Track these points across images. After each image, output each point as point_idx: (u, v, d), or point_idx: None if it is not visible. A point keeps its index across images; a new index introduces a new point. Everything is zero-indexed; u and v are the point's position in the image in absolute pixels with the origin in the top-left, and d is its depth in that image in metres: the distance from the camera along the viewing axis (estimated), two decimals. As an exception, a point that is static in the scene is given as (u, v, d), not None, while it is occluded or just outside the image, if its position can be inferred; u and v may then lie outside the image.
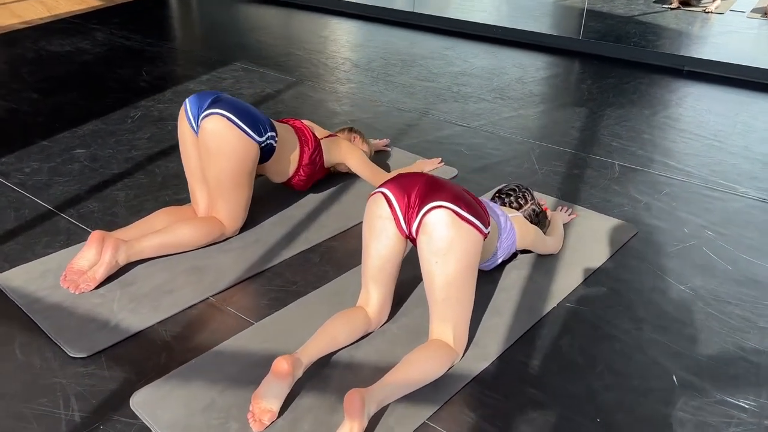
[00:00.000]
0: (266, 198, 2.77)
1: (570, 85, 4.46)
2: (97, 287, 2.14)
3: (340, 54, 5.13)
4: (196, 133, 2.35)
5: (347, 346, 1.87)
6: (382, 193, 1.83)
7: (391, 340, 1.94)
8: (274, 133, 2.45)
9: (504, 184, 2.46)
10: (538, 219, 2.41)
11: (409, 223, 1.78)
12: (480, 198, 2.15)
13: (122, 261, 2.19)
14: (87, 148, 3.25)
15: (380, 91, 4.21)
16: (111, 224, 2.54)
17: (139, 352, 1.88)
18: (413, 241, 1.81)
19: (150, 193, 2.81)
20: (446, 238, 1.71)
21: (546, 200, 2.78)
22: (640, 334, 2.01)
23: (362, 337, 1.93)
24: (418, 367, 1.68)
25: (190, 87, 4.20)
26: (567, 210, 2.68)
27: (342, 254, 2.39)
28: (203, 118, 2.30)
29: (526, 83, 4.47)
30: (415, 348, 1.76)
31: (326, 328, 1.79)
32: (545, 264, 2.34)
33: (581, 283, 2.25)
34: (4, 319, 2.00)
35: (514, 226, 2.14)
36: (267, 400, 1.62)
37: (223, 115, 2.28)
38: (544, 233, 2.45)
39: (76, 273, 2.15)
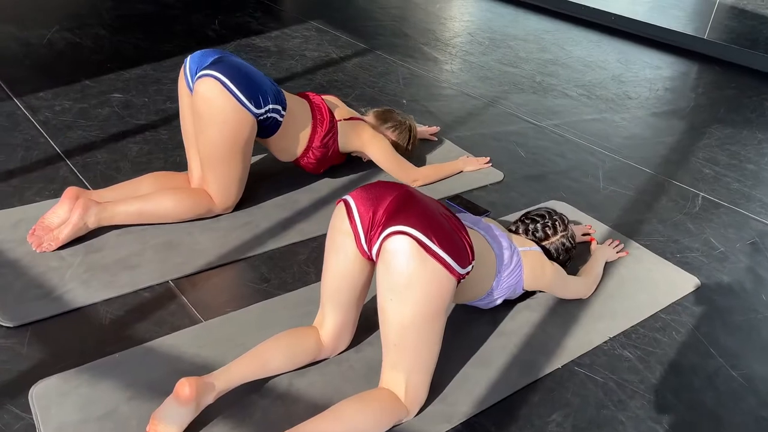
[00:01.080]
0: (277, 175, 2.50)
1: (677, 91, 3.84)
2: (62, 248, 1.98)
3: (425, 25, 4.74)
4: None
5: (290, 372, 1.59)
6: (346, 202, 1.51)
7: (346, 373, 1.63)
8: (279, 107, 2.17)
9: (536, 207, 2.04)
10: (568, 256, 1.98)
11: (369, 244, 1.45)
12: (484, 221, 1.77)
13: (92, 224, 2.02)
14: (125, 93, 3.13)
15: (452, 71, 3.81)
16: (109, 179, 2.38)
17: (68, 333, 1.69)
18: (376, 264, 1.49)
19: (163, 151, 2.63)
20: (405, 274, 1.37)
21: (596, 228, 2.33)
22: (657, 430, 1.57)
23: (313, 363, 1.64)
24: (346, 420, 1.37)
25: (254, 42, 3.99)
26: (617, 244, 2.22)
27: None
28: (197, 79, 2.05)
29: (624, 83, 3.89)
30: (357, 394, 1.45)
31: (259, 350, 1.51)
32: (566, 309, 1.92)
33: (603, 343, 1.82)
34: None
35: (522, 263, 1.75)
36: (165, 424, 1.38)
37: (218, 79, 2.02)
38: (575, 271, 2.02)
39: (45, 229, 2.00)
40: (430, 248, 1.36)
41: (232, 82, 2.02)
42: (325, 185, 2.48)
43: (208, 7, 4.64)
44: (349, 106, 3.16)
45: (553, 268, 1.82)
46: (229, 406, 1.50)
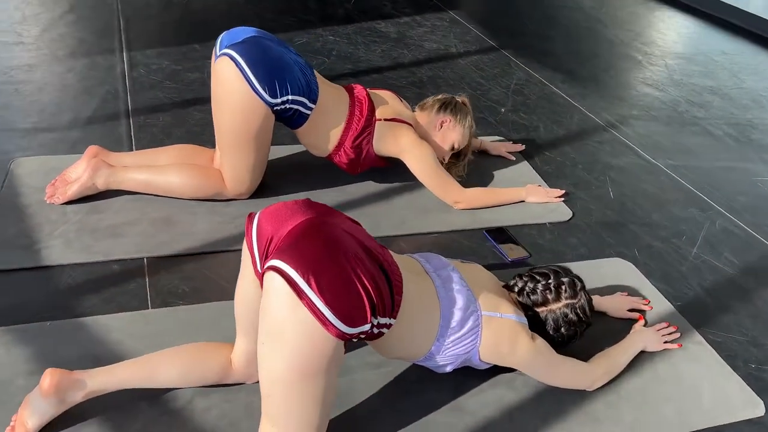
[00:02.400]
0: (312, 169, 2.33)
1: None
2: (71, 203, 2.01)
3: (574, 29, 4.23)
4: None
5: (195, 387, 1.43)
6: (250, 218, 1.29)
7: (251, 405, 1.41)
8: (304, 99, 1.98)
9: (547, 266, 1.62)
10: (573, 333, 1.56)
11: (260, 273, 1.24)
12: (452, 267, 1.46)
13: (101, 185, 2.02)
14: (223, 61, 3.17)
15: (577, 83, 3.33)
16: (155, 142, 2.39)
17: (23, 288, 1.69)
18: None
19: (223, 123, 2.60)
20: (276, 319, 1.13)
21: (656, 305, 1.85)
22: None
23: (226, 385, 1.47)
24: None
25: (377, 26, 3.84)
26: (669, 331, 1.75)
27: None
28: (218, 58, 1.94)
29: (796, 128, 3.12)
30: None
31: (150, 359, 1.37)
32: (557, 398, 1.53)
33: (585, 455, 1.42)
34: None
35: (480, 330, 1.41)
36: (29, 411, 1.30)
37: (234, 61, 1.89)
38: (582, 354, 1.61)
39: (62, 182, 2.04)
40: (305, 295, 1.11)
41: (249, 65, 1.88)
42: (358, 189, 2.27)
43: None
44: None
45: (532, 346, 1.44)
46: (110, 408, 1.39)
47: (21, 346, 1.51)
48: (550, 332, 1.53)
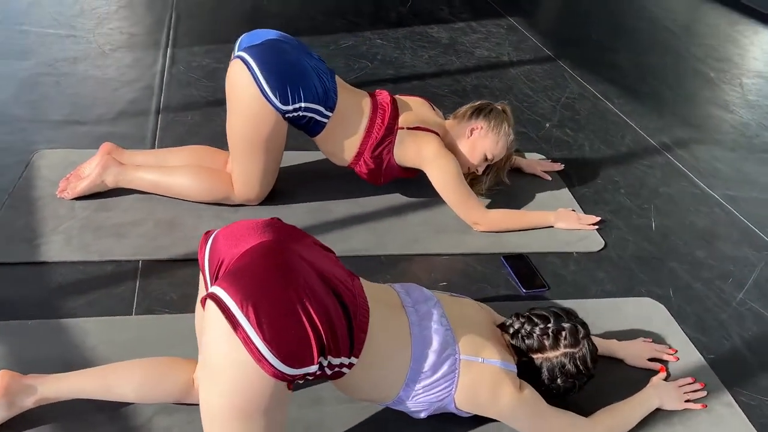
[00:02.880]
0: (332, 177, 2.22)
1: None
2: (82, 199, 2.00)
3: (644, 40, 3.95)
4: None
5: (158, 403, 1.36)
6: (207, 236, 1.20)
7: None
8: (319, 107, 1.89)
9: (549, 307, 1.44)
10: (570, 386, 1.39)
11: (203, 298, 1.14)
12: (436, 299, 1.33)
13: (110, 183, 2.00)
14: (264, 61, 3.13)
15: (634, 99, 3.09)
16: (177, 141, 2.36)
17: (16, 283, 1.67)
18: None
19: (250, 125, 2.55)
20: (212, 353, 1.04)
21: (684, 356, 1.64)
22: None
23: (196, 405, 1.39)
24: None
25: (429, 31, 3.71)
26: (694, 389, 1.55)
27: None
28: (232, 60, 1.88)
29: None
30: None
31: (108, 370, 1.31)
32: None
33: None
34: None
35: (458, 376, 1.26)
36: None
37: (247, 64, 1.82)
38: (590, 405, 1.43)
39: (76, 177, 2.04)
40: (241, 329, 1.01)
41: (261, 69, 1.81)
42: (373, 201, 2.16)
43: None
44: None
45: (517, 396, 1.28)
46: (64, 419, 1.34)
47: (-2, 344, 1.50)
48: (545, 382, 1.37)
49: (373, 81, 3.01)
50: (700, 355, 1.67)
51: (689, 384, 1.56)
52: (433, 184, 2.04)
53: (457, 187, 2.02)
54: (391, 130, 1.99)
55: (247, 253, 1.10)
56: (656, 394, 1.50)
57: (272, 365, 1.02)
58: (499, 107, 2.12)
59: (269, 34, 1.96)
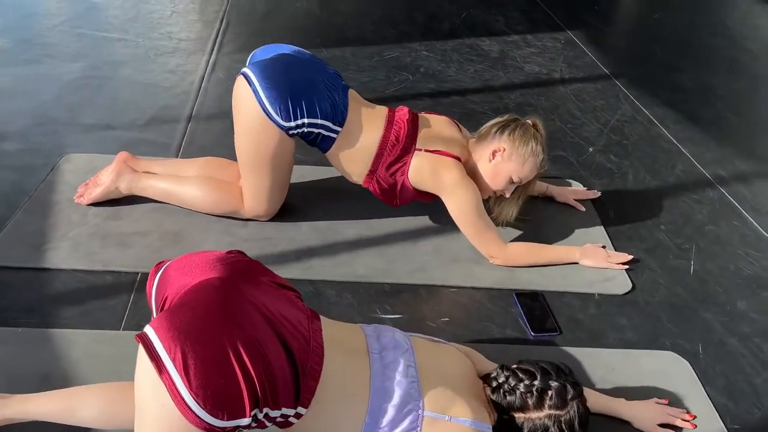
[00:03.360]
0: (350, 195, 2.13)
1: None
2: (98, 205, 2.02)
3: (718, 59, 3.66)
4: None
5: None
6: (158, 267, 1.15)
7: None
8: (327, 122, 1.82)
9: (539, 361, 1.32)
10: None
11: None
12: (411, 344, 1.24)
13: (124, 190, 2.01)
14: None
15: (689, 139, 2.85)
16: (201, 151, 2.34)
17: (16, 290, 1.69)
18: None
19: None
20: (138, 397, 0.99)
21: (703, 425, 1.46)
22: None
23: None
24: None
25: (480, 43, 3.57)
26: (679, 412, 1.44)
27: (318, 305, 1.67)
28: (238, 75, 1.84)
29: None
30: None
31: (72, 392, 1.28)
32: None
33: None
34: (8, 190, 2.05)
35: (420, 426, 1.14)
36: None
37: (249, 80, 1.78)
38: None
39: (93, 183, 2.05)
40: (167, 374, 0.95)
41: (263, 86, 1.76)
42: (386, 224, 2.06)
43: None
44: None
45: None
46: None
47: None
48: None
49: (411, 95, 2.93)
50: (721, 424, 1.49)
51: (680, 413, 1.48)
52: (451, 213, 1.92)
53: (476, 219, 1.89)
54: (407, 149, 1.89)
55: (191, 289, 1.04)
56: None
57: (197, 415, 0.96)
58: (528, 122, 1.96)
59: (281, 48, 1.91)
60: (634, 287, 1.90)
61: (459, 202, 1.90)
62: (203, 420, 0.97)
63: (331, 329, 1.19)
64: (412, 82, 3.07)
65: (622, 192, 2.37)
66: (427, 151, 1.90)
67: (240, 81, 1.81)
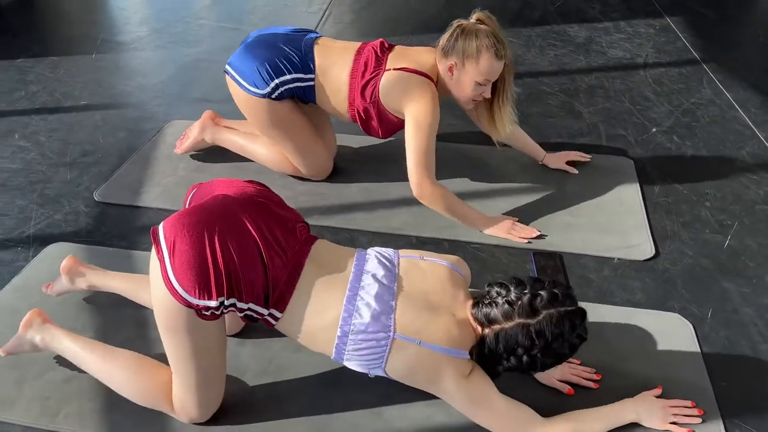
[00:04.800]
0: (394, 162, 2.25)
1: None
2: (194, 157, 2.41)
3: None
4: None
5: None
6: (192, 187, 1.46)
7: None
8: (298, 74, 2.03)
9: (531, 277, 1.39)
10: (530, 361, 1.30)
11: None
12: (400, 265, 1.40)
13: (208, 140, 2.36)
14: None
15: (778, 111, 2.71)
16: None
17: (113, 220, 2.09)
18: None
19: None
20: (152, 286, 1.28)
21: (694, 376, 1.50)
22: None
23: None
24: (113, 373, 1.41)
25: (568, 29, 3.61)
26: (683, 409, 1.43)
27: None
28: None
29: None
30: (151, 360, 1.44)
31: (139, 278, 1.66)
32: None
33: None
34: (122, 146, 2.50)
35: (387, 354, 1.30)
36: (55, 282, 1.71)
37: (227, 71, 2.12)
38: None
39: (185, 136, 2.40)
40: (163, 262, 1.24)
41: (236, 68, 2.08)
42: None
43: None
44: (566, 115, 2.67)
45: (459, 383, 1.30)
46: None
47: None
48: (503, 356, 1.32)
49: (483, 77, 3.07)
50: (709, 383, 1.52)
51: (681, 406, 1.44)
52: (405, 128, 1.96)
53: (423, 139, 1.90)
54: (376, 72, 1.99)
55: (204, 200, 1.33)
56: (633, 408, 1.41)
57: (175, 289, 1.23)
58: (471, 20, 1.95)
59: (261, 31, 2.16)
60: (657, 255, 1.94)
61: (416, 114, 1.93)
62: (179, 293, 1.23)
63: (323, 252, 1.38)
64: (487, 65, 3.21)
65: (675, 169, 2.36)
66: (395, 69, 1.97)
67: (226, 76, 2.12)
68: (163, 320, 1.28)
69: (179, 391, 1.37)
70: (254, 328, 1.66)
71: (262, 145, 2.30)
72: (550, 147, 2.45)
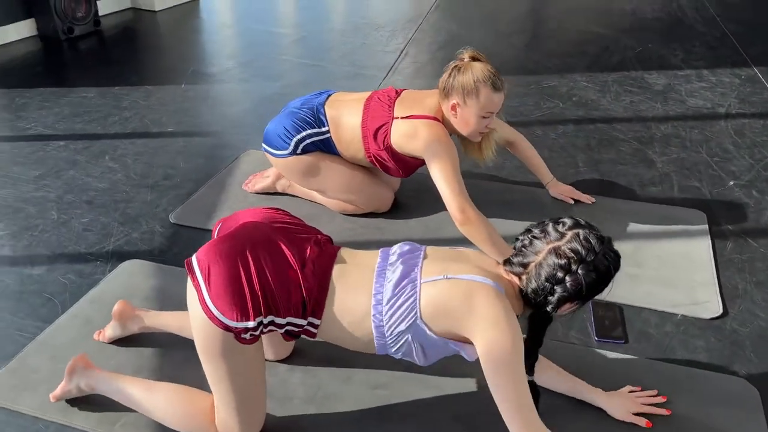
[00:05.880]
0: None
1: None
2: (265, 195, 2.52)
3: None
4: None
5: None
6: (218, 221, 1.53)
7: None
8: (311, 129, 2.21)
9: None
10: (573, 285, 1.28)
11: None
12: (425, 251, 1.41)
13: (279, 189, 2.47)
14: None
15: None
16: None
17: (185, 241, 2.21)
18: None
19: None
20: (191, 315, 1.34)
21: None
22: None
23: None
24: (161, 403, 1.46)
25: (646, 77, 3.53)
26: (651, 401, 1.55)
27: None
28: None
29: None
30: (187, 388, 1.50)
31: (184, 315, 1.71)
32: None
33: None
34: (200, 172, 2.63)
35: (418, 295, 1.30)
36: (108, 327, 1.76)
37: (263, 148, 2.33)
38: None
39: (259, 175, 2.52)
40: (203, 296, 1.29)
41: (265, 141, 2.31)
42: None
43: (673, 34, 4.24)
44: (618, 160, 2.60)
45: (496, 307, 1.26)
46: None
47: (149, 279, 2.03)
48: (549, 290, 1.29)
49: (555, 120, 3.05)
50: (771, 452, 1.43)
51: (649, 396, 1.55)
52: (429, 171, 2.01)
53: (450, 165, 1.96)
54: (385, 120, 2.09)
55: (236, 228, 1.39)
56: (606, 400, 1.54)
57: (213, 314, 1.28)
58: (463, 57, 2.01)
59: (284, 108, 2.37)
60: (725, 314, 1.85)
61: (434, 149, 1.99)
62: (216, 317, 1.28)
63: (348, 256, 1.41)
64: (560, 108, 3.19)
65: (752, 226, 2.26)
66: (402, 118, 2.07)
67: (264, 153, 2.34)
68: (202, 345, 1.33)
69: (222, 413, 1.42)
70: (304, 355, 1.71)
71: (325, 202, 2.41)
72: (620, 193, 2.40)
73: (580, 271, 1.27)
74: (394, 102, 2.12)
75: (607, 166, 2.65)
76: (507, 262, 1.37)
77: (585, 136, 2.88)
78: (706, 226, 2.24)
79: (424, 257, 1.38)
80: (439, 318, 1.30)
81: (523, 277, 1.33)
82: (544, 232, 1.32)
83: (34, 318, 1.85)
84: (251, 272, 1.30)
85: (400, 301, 1.31)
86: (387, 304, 1.32)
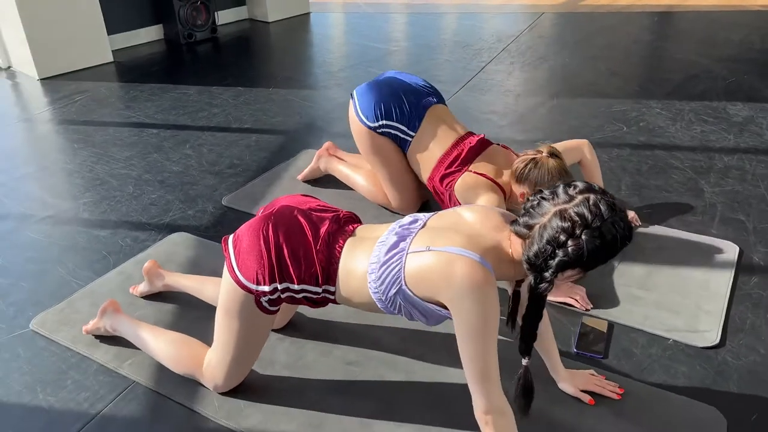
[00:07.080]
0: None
1: None
2: (309, 182, 2.75)
3: None
4: None
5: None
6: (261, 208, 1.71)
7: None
8: (403, 126, 2.30)
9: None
10: (578, 249, 1.24)
11: None
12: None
13: (322, 169, 2.71)
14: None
15: None
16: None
17: (231, 221, 2.48)
18: None
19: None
20: (223, 278, 1.57)
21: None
22: None
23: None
24: (163, 345, 1.71)
25: (728, 107, 3.37)
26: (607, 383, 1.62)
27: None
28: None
29: None
30: (186, 337, 1.74)
31: (205, 279, 1.95)
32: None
33: None
34: (262, 164, 2.90)
35: (403, 263, 1.36)
36: (141, 283, 2.06)
37: (352, 96, 2.41)
38: None
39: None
40: (229, 254, 1.52)
41: (359, 96, 2.37)
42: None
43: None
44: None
45: (473, 279, 1.27)
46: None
47: (188, 250, 2.31)
48: (550, 254, 1.26)
49: (612, 143, 3.02)
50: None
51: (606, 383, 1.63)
52: None
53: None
54: (460, 169, 2.20)
55: (269, 210, 1.59)
56: (569, 376, 1.63)
57: (242, 282, 1.49)
58: (540, 154, 2.01)
59: (397, 74, 2.43)
60: (721, 345, 1.79)
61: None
62: (240, 280, 1.49)
63: (364, 230, 1.53)
64: (622, 132, 3.15)
65: (790, 265, 2.13)
66: (475, 172, 2.16)
67: (350, 102, 2.43)
68: (224, 302, 1.55)
69: (213, 362, 1.64)
70: (297, 329, 1.89)
71: (363, 177, 2.57)
72: (654, 219, 2.36)
73: (583, 236, 1.23)
74: (476, 155, 2.19)
75: (651, 192, 2.60)
76: (513, 222, 1.36)
77: (638, 161, 2.83)
78: (735, 259, 2.15)
79: (422, 227, 1.42)
80: (420, 285, 1.35)
81: (527, 240, 1.31)
82: (554, 194, 1.29)
83: (90, 270, 2.19)
84: (270, 245, 1.49)
85: (389, 269, 1.38)
86: (378, 270, 1.40)
